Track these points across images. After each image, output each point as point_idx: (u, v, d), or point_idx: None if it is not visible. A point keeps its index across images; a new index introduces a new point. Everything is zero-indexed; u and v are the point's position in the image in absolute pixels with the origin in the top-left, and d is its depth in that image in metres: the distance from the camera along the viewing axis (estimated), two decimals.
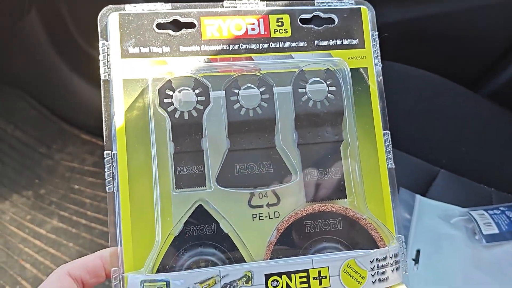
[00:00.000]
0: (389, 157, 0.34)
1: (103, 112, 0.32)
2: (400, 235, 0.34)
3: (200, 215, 0.32)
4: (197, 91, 0.32)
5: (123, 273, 0.30)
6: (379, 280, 0.31)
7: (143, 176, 0.31)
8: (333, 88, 0.33)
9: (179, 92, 0.32)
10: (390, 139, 0.34)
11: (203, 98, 0.32)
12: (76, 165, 1.04)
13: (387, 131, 0.34)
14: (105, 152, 0.31)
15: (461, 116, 0.65)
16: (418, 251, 0.51)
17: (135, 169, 0.31)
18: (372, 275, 0.31)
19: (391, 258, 0.32)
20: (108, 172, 0.31)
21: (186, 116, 0.32)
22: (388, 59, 0.67)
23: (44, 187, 1.00)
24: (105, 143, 0.31)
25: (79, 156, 1.05)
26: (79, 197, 0.99)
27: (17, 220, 0.96)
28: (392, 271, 0.32)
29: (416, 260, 0.51)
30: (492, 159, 0.64)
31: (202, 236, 0.31)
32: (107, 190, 0.31)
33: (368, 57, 0.35)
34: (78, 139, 1.08)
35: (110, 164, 0.31)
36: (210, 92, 0.32)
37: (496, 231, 0.52)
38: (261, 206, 0.32)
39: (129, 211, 0.31)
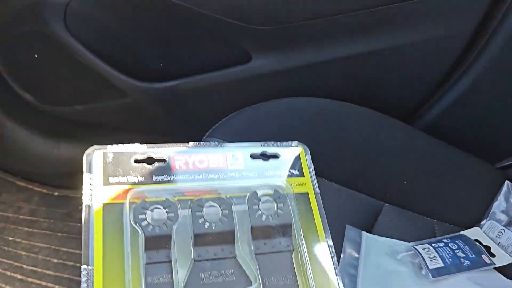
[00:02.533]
0: (336, 267, 0.39)
1: (83, 231, 0.35)
2: None
3: None
4: (167, 209, 0.37)
5: None
6: None
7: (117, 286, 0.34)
8: (281, 205, 0.40)
9: (152, 210, 0.37)
10: (334, 251, 0.39)
11: (172, 214, 0.37)
12: (11, 215, 0.98)
13: (331, 244, 0.40)
14: (82, 266, 0.34)
15: (399, 150, 0.67)
16: None
17: (109, 280, 0.34)
18: None
19: None
20: (83, 286, 0.34)
21: (157, 230, 0.36)
22: (326, 97, 0.68)
23: None
24: (82, 258, 0.34)
25: (13, 205, 0.99)
26: (14, 250, 0.93)
27: None
28: None
29: None
30: (432, 190, 0.65)
31: None
32: None
33: (307, 183, 0.43)
34: (13, 186, 1.03)
35: (87, 278, 0.34)
36: (178, 210, 0.38)
37: (441, 264, 0.53)
38: None
39: None
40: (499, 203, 0.63)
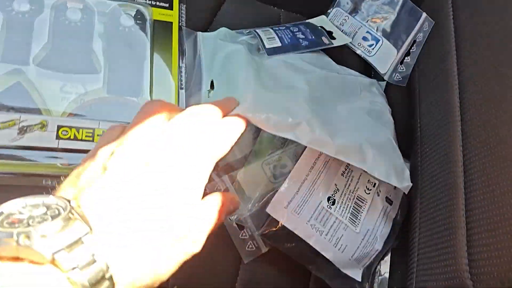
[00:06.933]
0: (181, 83, 0.49)
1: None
2: None
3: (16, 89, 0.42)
4: (31, 4, 0.46)
5: None
6: None
7: None
8: (140, 22, 0.49)
9: (17, 2, 0.45)
10: (185, 72, 0.50)
11: (35, 8, 0.45)
12: None
13: (183, 65, 0.50)
14: None
15: None
16: (212, 81, 0.49)
17: None
18: None
19: None
20: None
21: (19, 16, 0.45)
22: None
23: None
24: None
25: None
26: None
27: None
28: None
29: (212, 87, 0.49)
30: None
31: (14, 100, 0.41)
32: None
33: (174, 16, 0.52)
34: None
35: None
36: (44, 7, 0.46)
37: (279, 44, 0.52)
38: (71, 93, 0.43)
39: None
40: None
